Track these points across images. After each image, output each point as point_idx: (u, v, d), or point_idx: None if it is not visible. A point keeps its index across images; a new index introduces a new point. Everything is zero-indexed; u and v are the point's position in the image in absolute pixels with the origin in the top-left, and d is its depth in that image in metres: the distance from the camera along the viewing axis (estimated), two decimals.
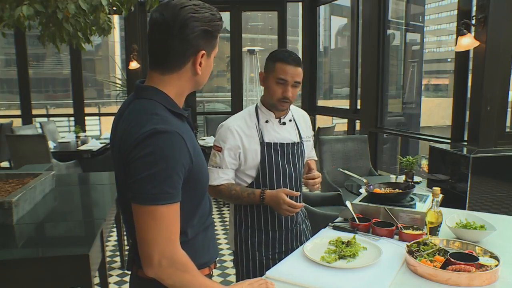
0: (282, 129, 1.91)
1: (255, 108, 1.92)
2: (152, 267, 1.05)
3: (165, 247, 1.04)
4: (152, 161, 1.01)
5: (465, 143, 3.81)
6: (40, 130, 6.04)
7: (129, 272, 1.26)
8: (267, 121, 1.88)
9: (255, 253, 1.91)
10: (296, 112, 2.03)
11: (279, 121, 1.90)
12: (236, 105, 7.15)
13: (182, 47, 1.08)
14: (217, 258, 1.35)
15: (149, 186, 1.01)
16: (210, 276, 1.28)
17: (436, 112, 11.10)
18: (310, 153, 2.10)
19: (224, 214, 5.02)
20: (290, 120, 1.94)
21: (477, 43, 3.39)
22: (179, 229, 1.08)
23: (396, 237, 1.77)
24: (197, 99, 7.57)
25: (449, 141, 4.04)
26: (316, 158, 2.21)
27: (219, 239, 4.20)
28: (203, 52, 1.11)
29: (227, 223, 4.71)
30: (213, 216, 1.30)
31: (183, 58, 1.10)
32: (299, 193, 1.83)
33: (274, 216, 1.90)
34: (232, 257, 3.80)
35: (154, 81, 1.14)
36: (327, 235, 1.77)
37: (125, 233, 3.68)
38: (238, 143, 1.83)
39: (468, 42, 3.40)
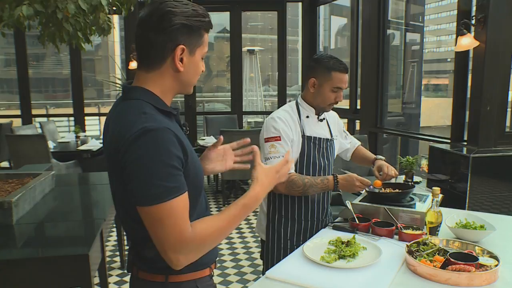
0: (318, 126, 2.06)
1: (296, 103, 2.06)
2: (173, 264, 1.06)
3: (176, 242, 1.03)
4: (147, 162, 1.01)
5: (465, 143, 3.80)
6: (40, 130, 6.04)
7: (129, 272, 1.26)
8: (307, 117, 2.02)
9: (286, 242, 2.02)
10: (328, 112, 2.18)
11: (318, 118, 2.05)
12: (236, 105, 7.14)
13: (160, 41, 1.09)
14: (217, 258, 1.35)
15: (152, 187, 1.01)
16: (210, 276, 1.28)
17: (436, 112, 11.10)
18: (352, 141, 2.35)
19: None
20: (324, 118, 2.10)
21: (476, 43, 3.39)
22: (188, 216, 1.07)
23: (396, 237, 1.77)
24: (197, 99, 7.56)
25: (449, 141, 4.04)
26: (360, 142, 2.42)
27: None
28: (182, 47, 1.10)
29: None
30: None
31: (162, 52, 1.10)
32: (370, 182, 1.95)
33: (308, 207, 2.02)
34: (232, 257, 3.81)
35: (140, 81, 1.14)
36: (327, 235, 1.78)
37: (124, 233, 3.68)
38: (290, 134, 1.94)
39: (468, 42, 3.40)
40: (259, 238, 2.24)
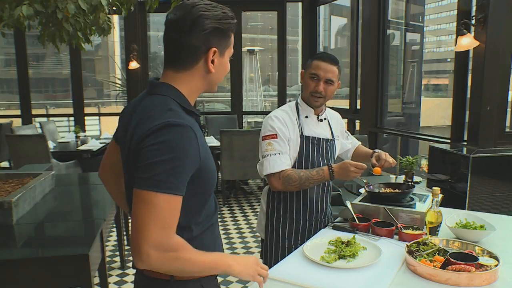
0: (318, 126, 2.05)
1: (296, 103, 2.06)
2: (141, 259, 1.01)
3: (155, 237, 1.00)
4: (161, 150, 1.01)
5: (465, 143, 3.81)
6: (40, 130, 6.04)
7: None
8: (306, 117, 2.02)
9: (284, 241, 2.03)
10: (330, 113, 2.18)
11: (317, 118, 2.05)
12: (236, 105, 7.14)
13: (193, 44, 1.11)
14: None
15: (153, 173, 1.00)
16: (215, 276, 1.28)
17: (435, 112, 11.09)
18: (353, 142, 2.35)
19: (223, 214, 5.03)
20: (325, 119, 2.09)
21: (476, 43, 3.39)
22: (177, 224, 1.05)
23: (396, 237, 1.77)
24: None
25: (448, 141, 4.04)
26: (360, 142, 2.41)
27: None
28: (215, 49, 1.13)
29: (227, 223, 4.72)
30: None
31: (195, 55, 1.12)
32: (365, 165, 1.91)
33: (306, 206, 2.02)
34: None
35: (168, 79, 1.16)
36: (327, 235, 1.78)
37: (124, 233, 3.68)
38: (286, 132, 1.95)
39: (467, 42, 3.41)
40: (259, 238, 2.25)
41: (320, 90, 1.93)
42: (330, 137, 2.09)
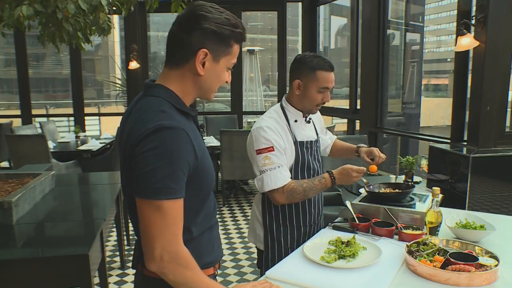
0: (307, 128, 1.99)
1: (281, 108, 1.95)
2: (154, 261, 1.05)
3: (168, 241, 1.04)
4: (156, 156, 1.02)
5: (465, 143, 3.81)
6: (39, 130, 6.04)
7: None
8: (296, 121, 1.93)
9: (287, 250, 1.93)
10: None
11: (305, 120, 1.98)
12: (236, 105, 7.14)
13: (186, 41, 1.11)
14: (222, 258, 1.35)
15: (153, 180, 1.02)
16: (214, 276, 1.29)
17: (435, 112, 11.08)
18: (331, 136, 2.29)
19: (223, 214, 5.02)
20: (310, 119, 2.02)
21: (476, 43, 3.39)
22: (183, 226, 1.08)
23: (396, 237, 1.77)
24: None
25: (448, 141, 4.05)
26: (335, 137, 2.36)
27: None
28: (206, 51, 1.11)
29: (227, 223, 4.71)
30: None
31: (186, 53, 1.12)
32: (364, 168, 1.87)
33: (305, 211, 1.97)
34: (232, 257, 3.81)
35: (163, 76, 1.17)
36: (327, 235, 1.78)
37: (124, 233, 3.68)
38: (281, 143, 1.84)
39: (467, 42, 3.40)
40: None
41: (328, 100, 1.89)
42: (316, 137, 2.03)
